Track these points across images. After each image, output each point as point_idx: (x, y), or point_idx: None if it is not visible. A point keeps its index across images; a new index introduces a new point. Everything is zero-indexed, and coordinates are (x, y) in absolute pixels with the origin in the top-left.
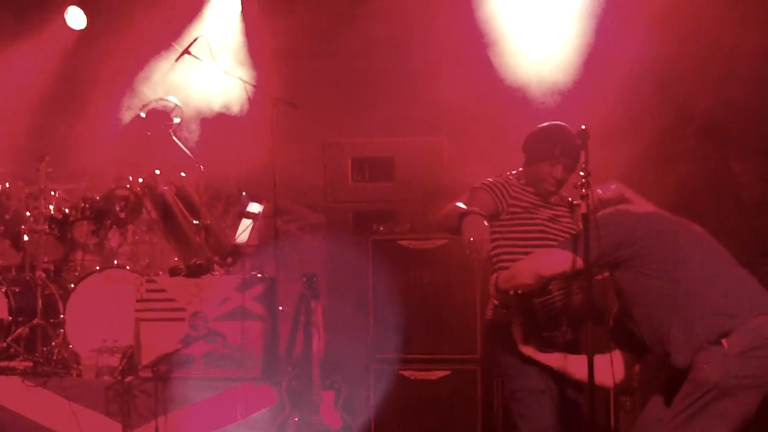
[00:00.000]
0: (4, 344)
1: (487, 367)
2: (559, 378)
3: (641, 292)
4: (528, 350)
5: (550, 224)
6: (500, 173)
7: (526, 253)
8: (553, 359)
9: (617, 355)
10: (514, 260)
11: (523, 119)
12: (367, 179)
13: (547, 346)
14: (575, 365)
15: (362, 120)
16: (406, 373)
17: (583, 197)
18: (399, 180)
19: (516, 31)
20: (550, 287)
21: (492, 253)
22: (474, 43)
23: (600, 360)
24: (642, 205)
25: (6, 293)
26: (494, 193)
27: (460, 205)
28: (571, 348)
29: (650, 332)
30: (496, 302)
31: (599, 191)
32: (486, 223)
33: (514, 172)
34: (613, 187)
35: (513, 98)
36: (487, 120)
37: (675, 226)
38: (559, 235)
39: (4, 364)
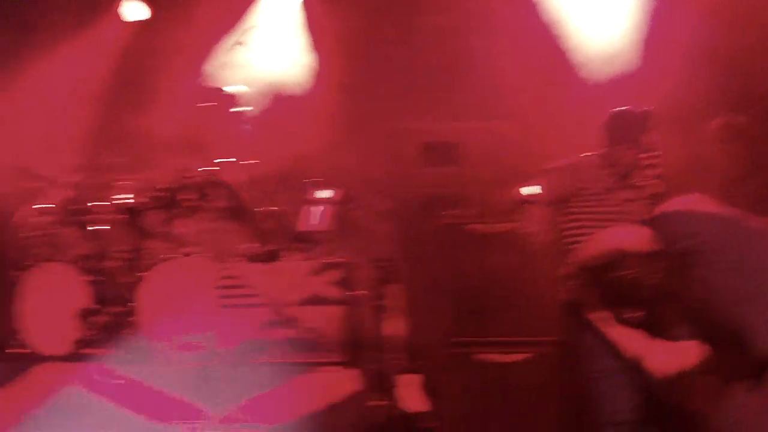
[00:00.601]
0: (86, 332)
1: (565, 348)
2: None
3: None
4: (605, 330)
5: (624, 205)
6: (574, 155)
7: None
8: (630, 341)
9: (690, 341)
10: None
11: (590, 102)
12: (435, 164)
13: (623, 327)
14: (651, 348)
15: (429, 105)
16: (484, 356)
17: (656, 178)
18: (467, 164)
19: (579, 12)
20: (628, 263)
21: (563, 234)
22: (539, 26)
23: (674, 345)
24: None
25: (83, 282)
26: (569, 176)
27: (528, 191)
28: (648, 330)
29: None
30: (572, 282)
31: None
32: (545, 212)
33: (589, 153)
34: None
35: (578, 80)
36: (553, 103)
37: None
38: (633, 216)
39: (84, 351)
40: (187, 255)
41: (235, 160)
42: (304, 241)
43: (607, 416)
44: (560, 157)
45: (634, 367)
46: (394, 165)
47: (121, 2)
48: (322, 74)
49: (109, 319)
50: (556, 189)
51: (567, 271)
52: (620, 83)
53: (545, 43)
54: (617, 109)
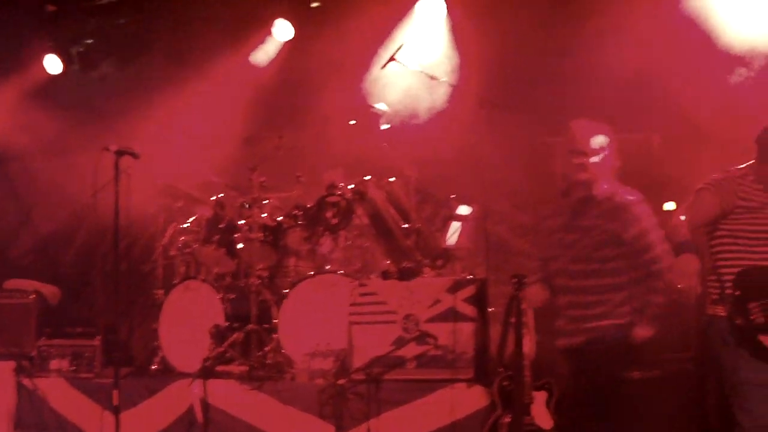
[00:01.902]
0: (221, 349)
1: (702, 366)
2: None
3: None
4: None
5: None
6: (725, 169)
7: (749, 254)
8: None
9: None
10: (735, 259)
11: (735, 116)
12: None
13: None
14: None
15: (570, 118)
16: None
17: None
18: None
19: (727, 17)
20: None
21: (714, 250)
22: (683, 36)
23: None
24: None
25: (222, 300)
26: (720, 194)
27: (679, 228)
28: None
29: None
30: (714, 296)
31: None
32: (697, 264)
33: (742, 166)
34: None
35: (725, 94)
36: (698, 115)
37: None
38: None
39: (221, 368)
40: (327, 272)
41: (378, 177)
42: (444, 257)
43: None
44: (709, 172)
45: None
46: (536, 179)
47: (272, 23)
48: (463, 90)
49: (246, 336)
50: (709, 211)
51: (716, 289)
52: None
53: (691, 53)
54: None
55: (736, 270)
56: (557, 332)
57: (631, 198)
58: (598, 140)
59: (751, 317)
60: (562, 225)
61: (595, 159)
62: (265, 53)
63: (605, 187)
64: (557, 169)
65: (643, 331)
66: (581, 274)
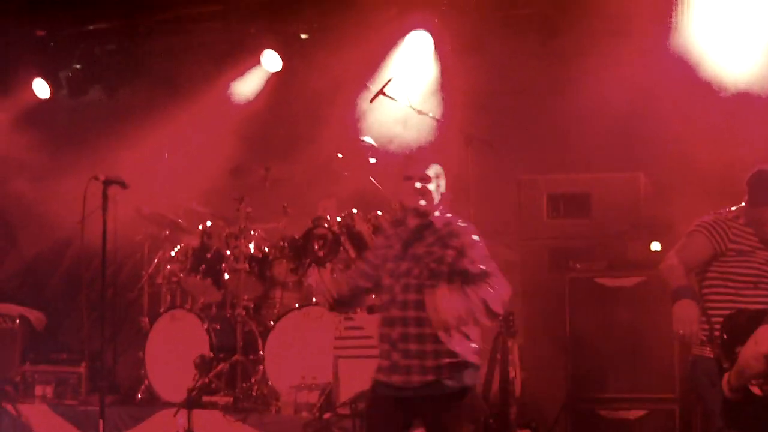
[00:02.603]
0: (206, 380)
1: (686, 406)
2: None
3: None
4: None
5: (766, 268)
6: (716, 211)
7: (739, 296)
8: None
9: None
10: (724, 302)
11: (723, 153)
12: (562, 215)
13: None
14: None
15: (556, 157)
16: (603, 413)
17: None
18: (595, 216)
19: (716, 55)
20: None
21: (703, 292)
22: (668, 73)
23: None
24: None
25: (208, 330)
26: (713, 236)
27: (674, 271)
28: None
29: None
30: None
31: None
32: (696, 309)
33: (733, 209)
34: None
35: (711, 134)
36: (685, 155)
37: None
38: None
39: (206, 398)
40: (313, 305)
41: (364, 211)
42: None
43: None
44: (697, 213)
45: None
46: (522, 216)
47: (261, 54)
48: (450, 125)
49: (231, 367)
50: (701, 253)
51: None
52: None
53: (677, 91)
54: (764, 167)
55: (724, 312)
56: (386, 368)
57: (465, 225)
58: (434, 168)
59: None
60: (394, 255)
61: (431, 186)
62: (253, 84)
63: (442, 214)
64: (543, 207)
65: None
66: (414, 305)
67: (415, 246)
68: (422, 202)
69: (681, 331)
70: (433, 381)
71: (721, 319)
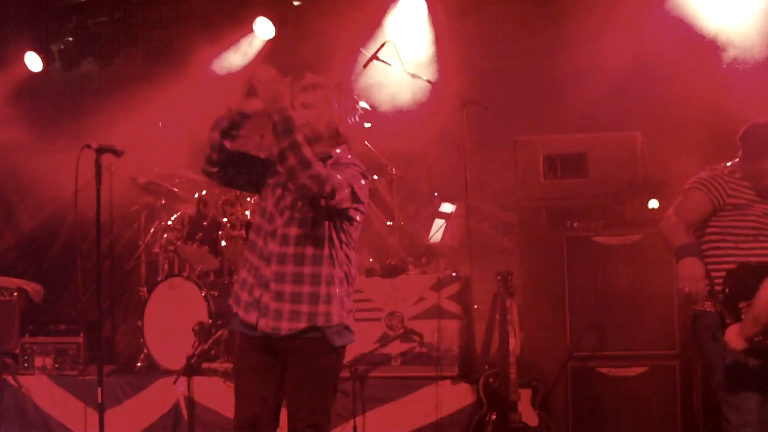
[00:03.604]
0: (205, 346)
1: (686, 363)
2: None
3: None
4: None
5: (764, 220)
6: (712, 167)
7: (738, 250)
8: None
9: None
10: (724, 256)
11: (718, 111)
12: (559, 176)
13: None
14: None
15: (552, 118)
16: (604, 370)
17: None
18: (592, 176)
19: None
20: None
21: (703, 248)
22: (663, 33)
23: None
24: None
25: (206, 297)
26: (710, 192)
27: (675, 229)
28: None
29: None
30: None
31: None
32: (701, 267)
33: (728, 164)
34: None
35: (707, 92)
36: (681, 113)
37: None
38: None
39: (205, 365)
40: None
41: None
42: (427, 254)
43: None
44: (694, 170)
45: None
46: (519, 177)
47: (254, 22)
48: (445, 89)
49: (230, 333)
50: (701, 209)
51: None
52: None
53: (672, 50)
54: (757, 122)
55: (724, 266)
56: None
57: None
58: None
59: (742, 317)
60: (283, 182)
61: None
62: (246, 51)
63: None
64: (540, 168)
65: None
66: (295, 240)
67: None
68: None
69: (687, 289)
70: (305, 329)
71: (721, 273)
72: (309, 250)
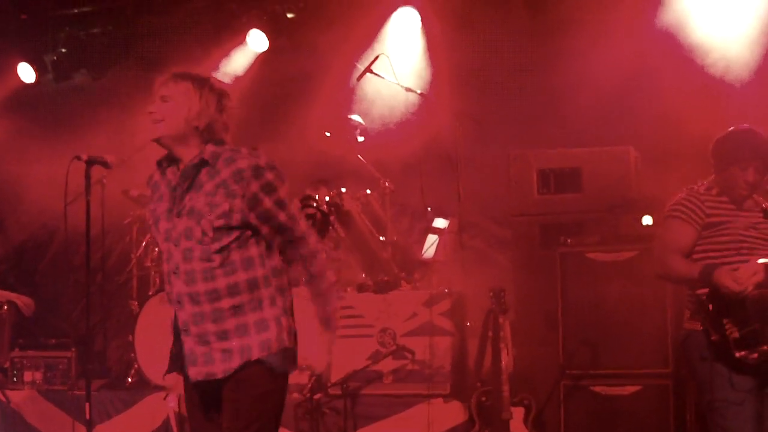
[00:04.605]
0: None
1: (680, 381)
2: (758, 391)
3: None
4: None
5: (745, 233)
6: (689, 187)
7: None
8: None
9: None
10: None
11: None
12: (553, 191)
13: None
14: None
15: (546, 132)
16: (597, 389)
17: None
18: (586, 191)
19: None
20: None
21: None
22: (657, 49)
23: None
24: None
25: None
26: (689, 217)
27: (678, 265)
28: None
29: None
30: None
31: None
32: (729, 269)
33: (704, 183)
34: None
35: (700, 107)
36: (674, 129)
37: None
38: (756, 243)
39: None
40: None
41: (353, 189)
42: (420, 270)
43: None
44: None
45: (755, 399)
46: (512, 192)
47: (247, 34)
48: (439, 103)
49: None
50: (685, 238)
51: (693, 303)
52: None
53: (667, 65)
54: (730, 129)
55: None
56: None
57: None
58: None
59: (727, 332)
60: (166, 209)
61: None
62: (239, 64)
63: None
64: (533, 182)
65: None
66: (203, 276)
67: (192, 195)
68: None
69: (739, 288)
70: (239, 367)
71: (706, 290)
72: (221, 282)
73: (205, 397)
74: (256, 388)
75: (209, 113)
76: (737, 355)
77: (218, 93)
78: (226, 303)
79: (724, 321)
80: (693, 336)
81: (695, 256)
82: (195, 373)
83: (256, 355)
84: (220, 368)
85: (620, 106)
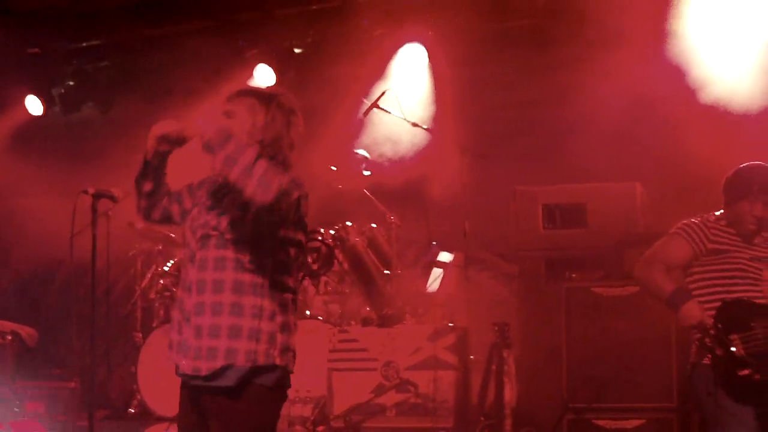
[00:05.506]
0: None
1: (684, 416)
2: (762, 423)
3: None
4: None
5: (750, 263)
6: (703, 214)
7: (726, 294)
8: None
9: None
10: (714, 302)
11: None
12: (558, 226)
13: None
14: None
15: (551, 167)
16: (601, 423)
17: None
18: (591, 226)
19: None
20: (753, 324)
21: (690, 287)
22: (664, 85)
23: None
24: None
25: None
26: (692, 238)
27: (656, 276)
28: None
29: None
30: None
31: None
32: (700, 307)
33: (717, 213)
34: None
35: (708, 143)
36: (680, 164)
37: None
38: (761, 275)
39: None
40: (307, 318)
41: (359, 223)
42: (425, 304)
43: None
44: (684, 218)
45: None
46: (518, 227)
47: (254, 68)
48: (445, 138)
49: None
50: (680, 254)
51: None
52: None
53: (673, 102)
54: (741, 165)
55: (716, 305)
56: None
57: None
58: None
59: (731, 348)
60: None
61: None
62: None
63: None
64: (539, 217)
65: None
66: (213, 264)
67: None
68: None
69: (698, 335)
70: (221, 368)
71: (713, 312)
72: (229, 275)
73: (196, 409)
74: (250, 405)
75: (275, 128)
76: (740, 373)
77: (287, 109)
78: (227, 297)
79: (731, 337)
80: (700, 369)
81: (700, 284)
82: (185, 365)
83: (240, 362)
84: (204, 365)
85: (626, 141)
